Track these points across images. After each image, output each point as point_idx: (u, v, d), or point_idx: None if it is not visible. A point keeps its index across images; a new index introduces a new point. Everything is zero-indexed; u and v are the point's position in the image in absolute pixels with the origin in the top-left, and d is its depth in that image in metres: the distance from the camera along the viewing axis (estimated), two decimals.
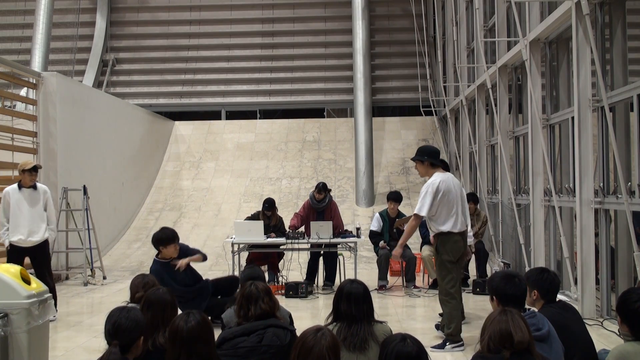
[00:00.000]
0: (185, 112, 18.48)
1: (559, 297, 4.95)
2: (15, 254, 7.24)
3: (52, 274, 7.81)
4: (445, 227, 6.08)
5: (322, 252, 9.33)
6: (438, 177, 6.13)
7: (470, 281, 9.34)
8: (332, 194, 9.76)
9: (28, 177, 7.39)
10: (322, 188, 9.32)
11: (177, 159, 16.70)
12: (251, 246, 9.11)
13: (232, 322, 3.92)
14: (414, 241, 11.35)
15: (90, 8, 18.75)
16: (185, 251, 7.00)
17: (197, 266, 7.29)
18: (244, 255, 9.44)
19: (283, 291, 8.78)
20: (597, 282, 7.14)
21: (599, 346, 4.35)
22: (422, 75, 17.32)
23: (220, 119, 18.36)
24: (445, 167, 6.69)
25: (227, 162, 16.47)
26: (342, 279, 9.05)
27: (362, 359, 3.46)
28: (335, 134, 17.11)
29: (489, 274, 9.37)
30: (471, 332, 6.61)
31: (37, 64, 15.07)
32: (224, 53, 18.82)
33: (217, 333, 3.46)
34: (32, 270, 7.40)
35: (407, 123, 17.28)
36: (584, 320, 4.45)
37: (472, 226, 8.90)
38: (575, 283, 7.37)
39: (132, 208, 14.60)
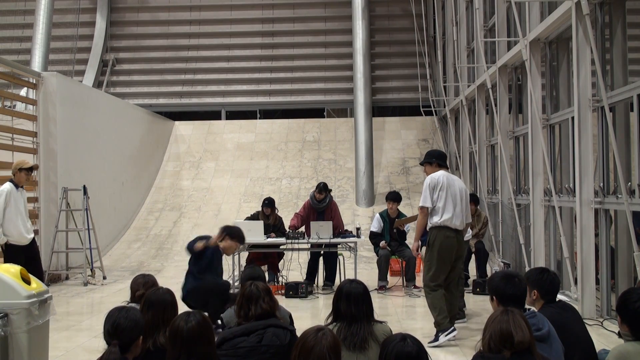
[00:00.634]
0: (185, 112, 18.48)
1: (559, 297, 4.95)
2: (15, 252, 7.31)
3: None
4: (441, 220, 6.20)
5: (322, 252, 9.33)
6: (439, 173, 6.37)
7: (470, 281, 9.33)
8: (332, 194, 9.75)
9: (25, 177, 7.47)
10: (322, 188, 9.32)
11: (177, 159, 16.71)
12: (251, 246, 9.10)
13: (232, 322, 3.92)
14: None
15: (90, 8, 18.75)
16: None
17: None
18: (244, 255, 9.44)
19: (283, 291, 8.78)
20: (597, 282, 7.14)
21: (599, 346, 4.35)
22: (422, 75, 17.32)
23: (220, 119, 18.36)
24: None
25: (227, 162, 16.47)
26: (342, 279, 9.05)
27: (362, 359, 3.46)
28: (335, 134, 17.12)
29: (489, 274, 9.37)
30: (471, 332, 6.61)
31: (37, 64, 15.07)
32: (224, 53, 18.82)
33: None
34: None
35: (407, 123, 17.28)
36: (584, 320, 4.45)
37: (472, 227, 8.97)
38: (575, 283, 7.37)
39: (132, 208, 14.60)
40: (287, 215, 13.39)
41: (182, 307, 3.58)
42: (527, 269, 8.34)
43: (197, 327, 3.11)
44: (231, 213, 14.39)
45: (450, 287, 6.36)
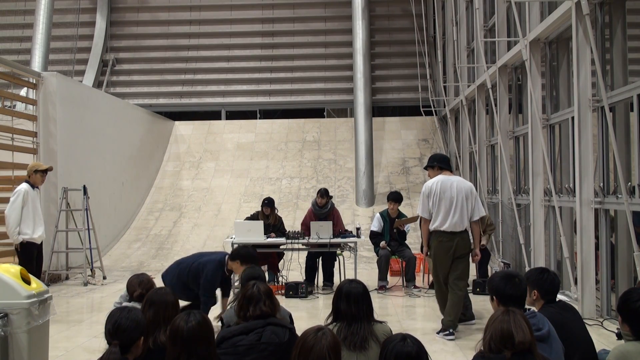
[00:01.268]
0: (185, 112, 18.49)
1: (559, 297, 4.95)
2: (30, 250, 7.55)
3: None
4: (434, 226, 6.52)
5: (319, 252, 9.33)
6: (435, 179, 6.61)
7: (470, 281, 9.33)
8: (332, 194, 9.77)
9: (40, 178, 7.77)
10: (324, 193, 9.40)
11: (177, 159, 16.71)
12: (251, 246, 9.08)
13: (232, 322, 3.93)
14: (414, 241, 11.38)
15: (90, 8, 18.75)
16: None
17: None
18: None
19: (283, 291, 8.78)
20: (597, 282, 7.14)
21: (599, 346, 4.36)
22: (422, 75, 17.33)
23: (220, 119, 18.36)
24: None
25: (227, 162, 16.47)
26: (342, 279, 9.05)
27: (362, 359, 3.46)
28: (335, 134, 17.12)
29: (489, 274, 9.37)
30: (471, 332, 6.62)
31: (37, 64, 15.07)
32: (224, 53, 18.82)
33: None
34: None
35: (407, 123, 17.28)
36: (584, 320, 4.45)
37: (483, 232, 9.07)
38: (575, 283, 7.37)
39: (132, 208, 14.60)
40: (287, 215, 13.43)
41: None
42: (527, 269, 8.35)
43: (197, 327, 3.11)
44: (231, 213, 14.39)
45: (451, 285, 6.55)
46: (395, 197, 9.39)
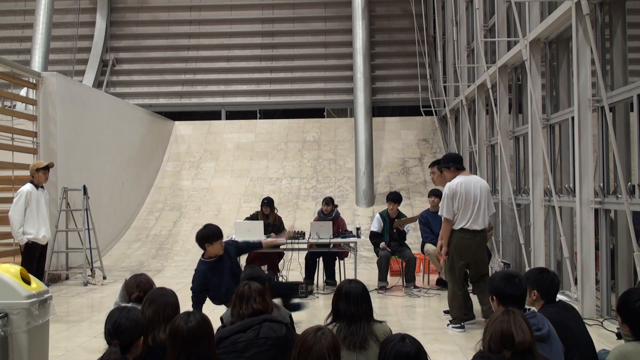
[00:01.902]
0: (185, 112, 18.48)
1: (559, 297, 4.95)
2: (33, 251, 7.51)
3: None
4: (459, 227, 6.67)
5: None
6: (457, 180, 6.72)
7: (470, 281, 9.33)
8: (332, 194, 9.79)
9: (43, 176, 7.75)
10: (329, 200, 9.58)
11: (177, 159, 16.71)
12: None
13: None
14: (414, 241, 11.37)
15: (90, 8, 18.75)
16: (235, 246, 6.67)
17: None
18: (244, 255, 9.43)
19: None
20: (597, 282, 7.14)
21: (599, 346, 4.35)
22: (422, 75, 17.32)
23: (220, 119, 18.36)
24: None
25: (227, 162, 16.47)
26: (342, 280, 9.05)
27: (362, 359, 3.47)
28: (335, 134, 17.12)
29: (489, 274, 9.37)
30: (471, 332, 6.62)
31: (37, 64, 15.07)
32: (224, 53, 18.82)
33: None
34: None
35: (407, 123, 17.28)
36: (584, 320, 4.45)
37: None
38: (575, 283, 7.37)
39: (132, 208, 14.60)
40: (287, 215, 13.43)
41: (182, 309, 3.57)
42: (527, 269, 8.35)
43: (197, 327, 3.12)
44: (231, 213, 14.39)
45: (480, 284, 6.83)
46: (394, 198, 9.39)
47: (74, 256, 10.79)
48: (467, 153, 13.69)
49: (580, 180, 7.10)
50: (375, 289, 9.03)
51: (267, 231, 9.28)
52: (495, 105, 10.55)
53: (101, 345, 3.36)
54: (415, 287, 9.20)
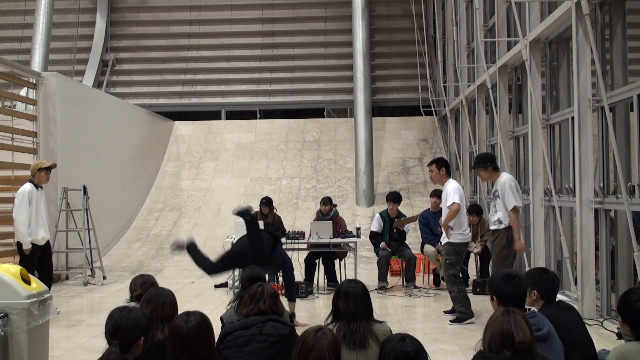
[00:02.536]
0: (185, 112, 18.48)
1: (559, 297, 4.95)
2: (32, 253, 7.41)
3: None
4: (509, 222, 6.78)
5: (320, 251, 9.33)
6: (509, 176, 6.98)
7: (470, 281, 9.35)
8: (332, 194, 9.79)
9: (45, 176, 7.64)
10: (327, 200, 9.55)
11: (177, 159, 16.71)
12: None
13: (232, 321, 3.96)
14: (414, 241, 11.37)
15: (90, 8, 18.75)
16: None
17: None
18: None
19: (283, 291, 8.77)
20: (597, 282, 7.14)
21: (599, 346, 4.35)
22: (422, 75, 17.31)
23: (220, 119, 18.36)
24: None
25: (227, 162, 16.47)
26: (342, 280, 9.05)
27: (362, 358, 3.47)
28: (335, 134, 17.11)
29: (490, 274, 9.38)
30: (471, 332, 6.62)
31: (37, 64, 15.06)
32: (224, 53, 18.81)
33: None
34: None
35: (407, 123, 17.28)
36: (584, 320, 4.45)
37: (477, 234, 9.10)
38: (575, 283, 7.37)
39: (132, 208, 14.60)
40: (286, 215, 13.43)
41: (182, 309, 3.57)
42: (527, 269, 8.35)
43: (197, 327, 3.12)
44: (231, 213, 14.37)
45: None
46: (394, 198, 9.39)
47: (74, 256, 10.79)
48: (467, 153, 13.69)
49: (580, 180, 7.10)
50: (375, 289, 9.03)
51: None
52: (495, 105, 10.55)
53: (101, 345, 3.36)
54: (415, 287, 9.21)
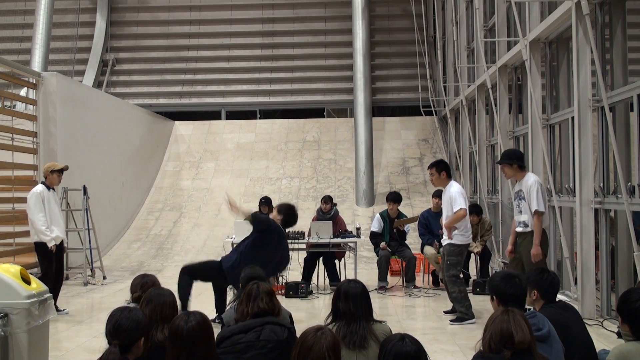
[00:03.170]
0: (185, 112, 18.48)
1: (559, 297, 4.95)
2: (48, 252, 7.42)
3: None
4: (544, 224, 6.69)
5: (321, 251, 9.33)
6: (537, 177, 6.71)
7: (470, 281, 9.35)
8: (332, 194, 9.80)
9: (57, 178, 7.68)
10: (328, 199, 9.55)
11: (177, 159, 16.71)
12: None
13: (232, 321, 3.94)
14: (414, 241, 11.37)
15: (90, 8, 18.75)
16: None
17: None
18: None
19: (283, 291, 8.78)
20: (597, 282, 7.14)
21: (599, 346, 4.35)
22: (422, 75, 17.32)
23: (220, 119, 18.36)
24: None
25: (227, 162, 16.47)
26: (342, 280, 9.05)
27: (362, 358, 3.47)
28: (335, 134, 17.12)
29: (490, 274, 9.38)
30: (471, 332, 6.62)
31: (37, 64, 15.06)
32: (224, 53, 18.82)
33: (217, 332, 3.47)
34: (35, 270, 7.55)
35: (407, 123, 17.28)
36: (584, 320, 4.45)
37: (477, 234, 9.10)
38: (575, 283, 7.37)
39: (132, 208, 14.60)
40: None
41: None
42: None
43: (197, 327, 3.11)
44: (231, 213, 14.36)
45: None
46: (394, 198, 9.39)
47: (74, 256, 10.79)
48: (467, 153, 13.69)
49: (580, 180, 7.10)
50: (375, 289, 9.03)
51: None
52: (495, 105, 10.55)
53: (101, 345, 3.35)
54: (415, 287, 9.21)
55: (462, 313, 7.06)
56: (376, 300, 8.20)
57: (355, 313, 3.59)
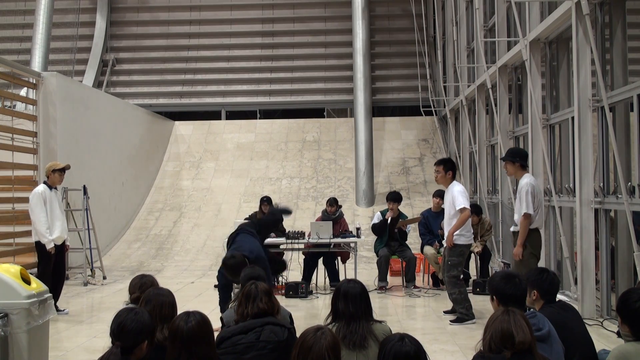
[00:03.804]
0: (185, 112, 18.48)
1: (559, 297, 4.95)
2: (49, 252, 7.40)
3: None
4: (534, 225, 6.55)
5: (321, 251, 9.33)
6: (531, 179, 6.66)
7: (470, 281, 9.35)
8: (332, 194, 9.81)
9: (59, 178, 7.66)
10: (333, 201, 9.59)
11: (177, 159, 16.70)
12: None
13: (232, 321, 3.94)
14: (414, 241, 11.37)
15: (90, 8, 18.74)
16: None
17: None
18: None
19: (283, 291, 8.78)
20: (597, 282, 7.14)
21: (599, 346, 4.35)
22: (422, 75, 17.32)
23: (220, 119, 18.36)
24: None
25: (227, 162, 16.47)
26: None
27: (362, 358, 3.47)
28: (335, 134, 17.11)
29: (490, 274, 9.38)
30: (471, 332, 6.62)
31: (37, 64, 15.06)
32: (224, 53, 18.82)
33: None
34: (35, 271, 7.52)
35: (407, 123, 17.28)
36: (584, 320, 4.45)
37: (477, 234, 9.10)
38: (575, 283, 7.37)
39: (132, 208, 14.60)
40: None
41: (182, 309, 3.57)
42: None
43: (197, 327, 3.11)
44: (231, 213, 14.39)
45: None
46: (394, 197, 9.39)
47: (74, 256, 10.78)
48: (467, 153, 13.69)
49: (580, 180, 7.10)
50: (375, 289, 9.03)
51: None
52: (495, 105, 10.55)
53: (101, 345, 3.35)
54: (415, 287, 9.21)
55: (462, 314, 7.06)
56: (376, 300, 8.21)
57: (354, 313, 3.59)
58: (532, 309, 3.81)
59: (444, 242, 7.46)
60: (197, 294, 9.26)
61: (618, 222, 6.84)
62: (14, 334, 4.17)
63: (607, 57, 7.10)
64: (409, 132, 17.01)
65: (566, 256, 7.61)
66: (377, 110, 17.42)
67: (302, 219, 13.66)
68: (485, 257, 9.47)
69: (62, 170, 7.69)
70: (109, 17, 18.92)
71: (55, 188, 7.73)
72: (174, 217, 14.61)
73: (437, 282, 9.40)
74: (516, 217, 6.67)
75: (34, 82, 10.61)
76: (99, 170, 12.36)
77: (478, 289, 8.76)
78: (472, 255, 9.51)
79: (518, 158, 6.69)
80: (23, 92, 12.59)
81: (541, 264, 8.31)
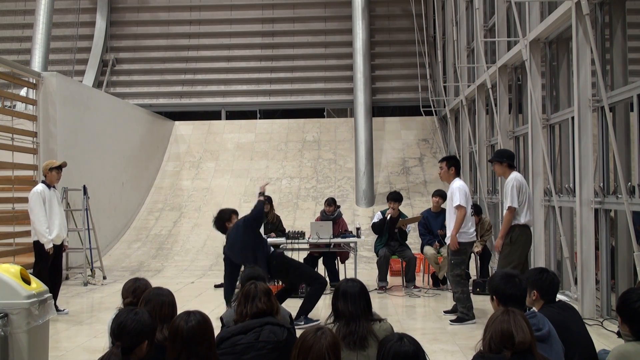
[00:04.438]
0: (185, 112, 18.48)
1: (559, 297, 4.95)
2: (47, 252, 7.38)
3: None
4: (526, 220, 6.77)
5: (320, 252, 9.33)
6: (518, 175, 6.91)
7: (470, 281, 9.34)
8: (332, 194, 9.81)
9: (56, 176, 7.62)
10: (331, 201, 9.58)
11: (177, 159, 16.71)
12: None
13: (232, 321, 3.94)
14: (414, 241, 11.37)
15: (90, 8, 18.75)
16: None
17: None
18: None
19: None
20: (597, 282, 7.14)
21: (599, 346, 4.35)
22: (422, 75, 17.32)
23: (220, 119, 18.36)
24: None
25: (227, 162, 16.47)
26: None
27: (362, 357, 3.46)
28: (335, 134, 17.11)
29: (490, 274, 9.38)
30: (471, 332, 6.62)
31: (37, 64, 15.06)
32: (224, 53, 18.82)
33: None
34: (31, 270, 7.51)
35: (407, 123, 17.28)
36: (584, 320, 4.45)
37: (477, 234, 9.10)
38: (575, 283, 7.37)
39: (132, 208, 14.60)
40: (286, 215, 13.43)
41: (182, 309, 3.57)
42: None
43: (197, 327, 3.11)
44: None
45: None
46: (395, 197, 9.39)
47: (74, 256, 10.79)
48: (467, 153, 13.69)
49: (580, 180, 7.10)
50: (375, 289, 9.02)
51: (266, 230, 9.27)
52: (495, 105, 10.55)
53: (102, 346, 3.35)
54: (416, 287, 9.21)
55: (462, 313, 7.06)
56: (376, 300, 8.20)
57: (354, 312, 3.59)
58: (532, 309, 3.81)
59: (445, 242, 7.47)
60: (197, 294, 9.26)
61: (618, 222, 6.84)
62: (14, 334, 4.17)
63: (607, 57, 7.11)
64: (409, 132, 17.01)
65: (566, 256, 7.61)
66: (377, 110, 17.42)
67: (302, 219, 13.66)
68: (485, 257, 9.48)
69: (59, 168, 7.65)
70: (109, 17, 18.92)
71: (55, 187, 7.71)
72: (174, 217, 14.61)
73: (437, 282, 9.41)
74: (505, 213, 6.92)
75: (34, 82, 10.61)
76: (99, 170, 12.37)
77: (478, 289, 8.76)
78: (472, 255, 9.51)
79: (505, 158, 6.95)
80: (23, 92, 12.59)
81: (541, 264, 8.35)
